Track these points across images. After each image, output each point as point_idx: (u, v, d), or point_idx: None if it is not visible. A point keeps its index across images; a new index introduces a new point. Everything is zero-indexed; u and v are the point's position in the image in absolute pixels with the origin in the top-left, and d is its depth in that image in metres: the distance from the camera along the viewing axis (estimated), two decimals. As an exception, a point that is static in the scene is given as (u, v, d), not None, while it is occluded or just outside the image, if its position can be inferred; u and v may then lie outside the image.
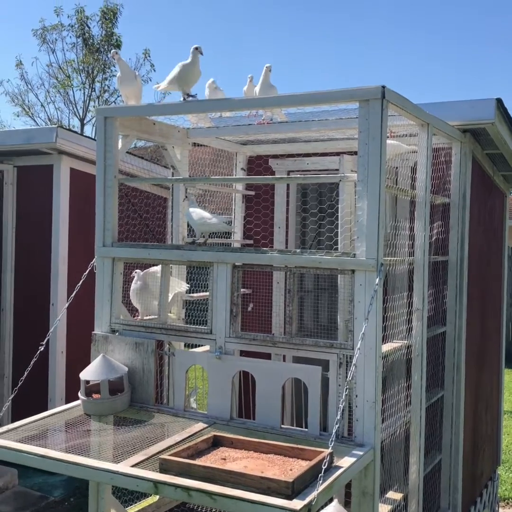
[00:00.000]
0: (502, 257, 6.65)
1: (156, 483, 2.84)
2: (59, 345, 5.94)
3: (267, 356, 4.34)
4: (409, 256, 3.99)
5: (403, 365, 4.07)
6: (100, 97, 21.31)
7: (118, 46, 21.05)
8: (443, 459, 4.60)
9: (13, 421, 3.65)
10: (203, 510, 4.40)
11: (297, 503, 2.57)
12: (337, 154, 4.55)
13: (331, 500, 3.29)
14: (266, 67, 4.22)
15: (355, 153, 3.36)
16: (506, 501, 7.04)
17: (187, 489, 2.76)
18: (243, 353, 4.02)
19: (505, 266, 6.78)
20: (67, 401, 4.85)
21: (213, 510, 4.24)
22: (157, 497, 4.38)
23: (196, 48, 3.99)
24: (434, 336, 4.40)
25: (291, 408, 5.15)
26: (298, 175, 4.86)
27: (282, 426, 3.56)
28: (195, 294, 4.75)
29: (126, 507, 4.25)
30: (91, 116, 20.99)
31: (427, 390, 4.12)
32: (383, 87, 3.21)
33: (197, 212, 4.10)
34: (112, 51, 4.39)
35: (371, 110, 3.24)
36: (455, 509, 4.61)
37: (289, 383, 4.97)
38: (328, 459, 2.80)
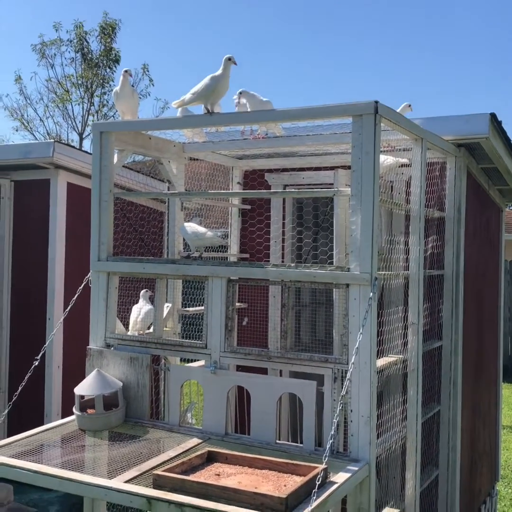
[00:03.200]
0: (499, 271, 6.65)
1: (150, 499, 2.83)
2: (56, 359, 5.91)
3: (265, 371, 4.33)
4: (405, 270, 3.99)
5: (399, 379, 4.06)
6: (99, 112, 21.44)
7: (116, 61, 21.20)
8: (440, 474, 4.57)
9: (9, 436, 3.64)
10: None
11: (290, 519, 2.56)
12: (332, 168, 4.57)
13: (327, 516, 3.27)
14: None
15: (350, 167, 3.37)
16: (505, 516, 6.99)
17: (180, 505, 2.74)
18: (240, 368, 4.01)
19: (502, 280, 6.78)
20: (64, 416, 4.81)
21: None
22: (152, 513, 4.34)
23: (229, 59, 3.65)
24: (430, 350, 4.39)
25: (288, 423, 5.13)
26: (293, 190, 4.88)
27: (277, 441, 3.54)
28: (190, 309, 4.74)
29: (122, 523, 4.23)
30: (90, 130, 21.07)
31: (423, 405, 4.11)
32: (376, 102, 3.22)
33: (191, 227, 4.11)
34: (126, 70, 4.25)
35: (364, 125, 3.25)
36: (453, 525, 4.58)
37: (286, 398, 4.95)
38: (322, 474, 2.79)
